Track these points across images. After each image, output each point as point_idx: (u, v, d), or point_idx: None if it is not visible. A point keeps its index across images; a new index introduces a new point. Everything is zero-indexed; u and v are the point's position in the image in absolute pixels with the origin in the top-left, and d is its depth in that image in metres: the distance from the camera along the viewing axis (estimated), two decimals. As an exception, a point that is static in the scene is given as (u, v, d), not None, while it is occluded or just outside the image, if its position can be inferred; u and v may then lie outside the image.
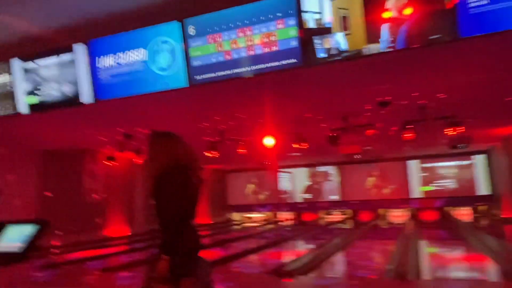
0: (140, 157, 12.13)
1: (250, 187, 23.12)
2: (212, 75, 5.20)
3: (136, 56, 5.60)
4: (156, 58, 5.49)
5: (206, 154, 11.32)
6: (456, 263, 7.49)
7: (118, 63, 5.72)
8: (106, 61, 5.87)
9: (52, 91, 6.24)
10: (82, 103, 6.09)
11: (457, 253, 8.46)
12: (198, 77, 5.28)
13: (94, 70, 5.96)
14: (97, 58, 5.97)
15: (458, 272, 6.58)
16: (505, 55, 5.81)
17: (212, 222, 20.75)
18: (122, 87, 5.69)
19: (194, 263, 2.74)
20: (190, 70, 5.29)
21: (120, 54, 5.75)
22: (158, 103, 7.24)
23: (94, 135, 10.40)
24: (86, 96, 6.06)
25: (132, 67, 5.62)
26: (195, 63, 5.27)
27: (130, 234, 14.80)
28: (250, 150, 11.65)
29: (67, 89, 6.10)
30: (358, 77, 6.59)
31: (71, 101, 6.08)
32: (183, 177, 2.61)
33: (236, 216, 23.82)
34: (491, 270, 6.53)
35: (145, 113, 8.29)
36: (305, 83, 6.78)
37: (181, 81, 5.35)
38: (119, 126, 9.21)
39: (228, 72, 5.09)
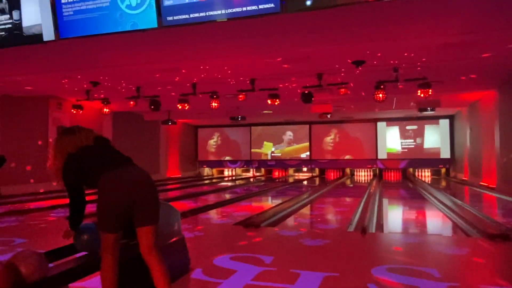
0: (107, 107, 11.78)
1: (216, 142, 23.11)
2: (185, 16, 4.93)
3: (103, -8, 5.22)
4: (125, -5, 5.14)
5: (178, 106, 11.11)
6: (415, 219, 7.88)
7: (83, -1, 5.33)
8: (71, -4, 5.45)
9: (9, 25, 5.78)
10: (44, 41, 5.68)
11: (417, 210, 8.89)
12: (169, 18, 5.00)
13: (57, 5, 5.52)
14: (61, -8, 5.52)
15: (416, 227, 6.93)
16: (477, 15, 5.83)
17: (181, 175, 20.81)
18: (87, 25, 5.31)
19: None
20: (162, 9, 5.00)
21: (86, -11, 5.34)
22: (125, 45, 6.89)
23: (58, 80, 9.91)
24: (48, 33, 5.64)
25: (99, 3, 5.24)
26: (167, 2, 4.96)
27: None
28: (223, 104, 11.51)
29: (28, 25, 5.66)
30: (334, 30, 6.48)
31: (32, 39, 5.66)
32: (78, 156, 2.64)
33: (206, 171, 23.96)
34: (446, 226, 6.91)
35: (111, 57, 7.91)
36: (282, 34, 6.61)
37: (151, 21, 5.05)
38: (84, 70, 8.78)
39: (202, 14, 4.84)
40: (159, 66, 8.63)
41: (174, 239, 3.43)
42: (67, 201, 2.71)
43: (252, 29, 6.32)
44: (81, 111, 12.22)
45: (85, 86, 10.52)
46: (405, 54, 7.71)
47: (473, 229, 5.85)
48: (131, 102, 11.07)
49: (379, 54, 7.75)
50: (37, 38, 5.66)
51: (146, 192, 2.45)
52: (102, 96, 11.58)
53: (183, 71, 9.04)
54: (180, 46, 7.25)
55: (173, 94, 11.14)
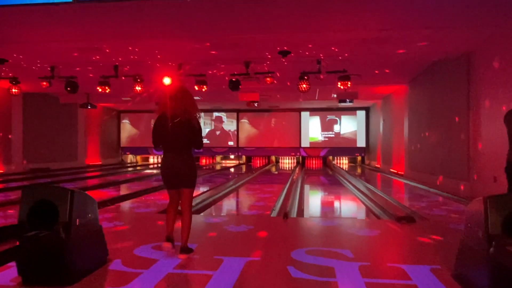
0: (16, 87, 10.69)
1: (144, 129, 22.31)
2: (104, -8, 4.60)
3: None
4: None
5: (98, 89, 10.47)
6: (333, 204, 8.37)
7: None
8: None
9: None
10: None
11: (335, 196, 9.44)
12: (86, -7, 4.63)
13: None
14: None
15: (334, 212, 7.37)
16: (392, 13, 6.28)
17: (102, 163, 19.78)
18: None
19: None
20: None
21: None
22: (38, 19, 6.31)
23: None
24: None
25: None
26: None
27: (4, 172, 13.33)
28: (148, 89, 11.08)
29: None
30: (262, 18, 6.54)
31: None
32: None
33: (130, 158, 23.02)
34: (360, 210, 7.45)
35: (22, 32, 7.19)
36: (210, 18, 6.52)
37: (66, -5, 4.63)
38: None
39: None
40: (77, 45, 8.02)
41: (89, 229, 3.25)
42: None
43: (179, 11, 6.14)
44: (-17, 91, 10.96)
45: (-12, 62, 9.42)
46: (328, 47, 8.05)
47: (384, 212, 6.38)
48: (44, 83, 10.17)
49: (302, 45, 7.99)
50: None
51: (179, 172, 3.77)
52: (10, 75, 10.48)
53: (105, 51, 8.50)
54: (101, 25, 6.80)
55: (92, 75, 10.46)
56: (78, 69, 9.95)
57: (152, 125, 3.81)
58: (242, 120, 21.57)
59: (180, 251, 3.75)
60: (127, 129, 22.32)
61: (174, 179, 3.79)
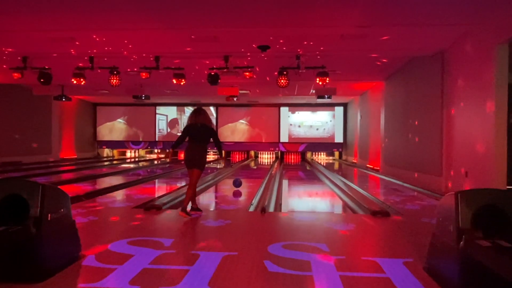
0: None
1: (123, 122, 21.93)
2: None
3: None
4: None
5: (72, 81, 10.19)
6: (311, 199, 8.44)
7: None
8: None
9: None
10: None
11: (312, 190, 9.53)
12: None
13: None
14: None
15: (311, 206, 7.44)
16: (371, 9, 6.35)
17: (77, 157, 19.36)
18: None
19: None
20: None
21: None
22: (9, 7, 6.14)
23: None
24: None
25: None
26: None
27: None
28: (124, 82, 10.87)
29: None
30: (242, 12, 6.51)
31: None
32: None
33: (106, 152, 22.59)
34: (337, 204, 7.55)
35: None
36: (190, 10, 6.45)
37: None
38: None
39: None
40: (50, 35, 7.77)
41: (61, 224, 3.17)
42: None
43: (158, 2, 6.03)
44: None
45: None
46: (307, 42, 8.07)
47: (359, 207, 6.48)
48: (16, 74, 9.81)
49: (282, 41, 7.99)
50: None
51: (195, 157, 5.48)
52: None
53: (79, 42, 8.27)
54: (76, 14, 6.61)
55: (66, 67, 10.16)
56: (52, 60, 9.66)
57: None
58: (222, 115, 21.46)
59: (180, 210, 5.37)
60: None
61: (189, 161, 5.48)
